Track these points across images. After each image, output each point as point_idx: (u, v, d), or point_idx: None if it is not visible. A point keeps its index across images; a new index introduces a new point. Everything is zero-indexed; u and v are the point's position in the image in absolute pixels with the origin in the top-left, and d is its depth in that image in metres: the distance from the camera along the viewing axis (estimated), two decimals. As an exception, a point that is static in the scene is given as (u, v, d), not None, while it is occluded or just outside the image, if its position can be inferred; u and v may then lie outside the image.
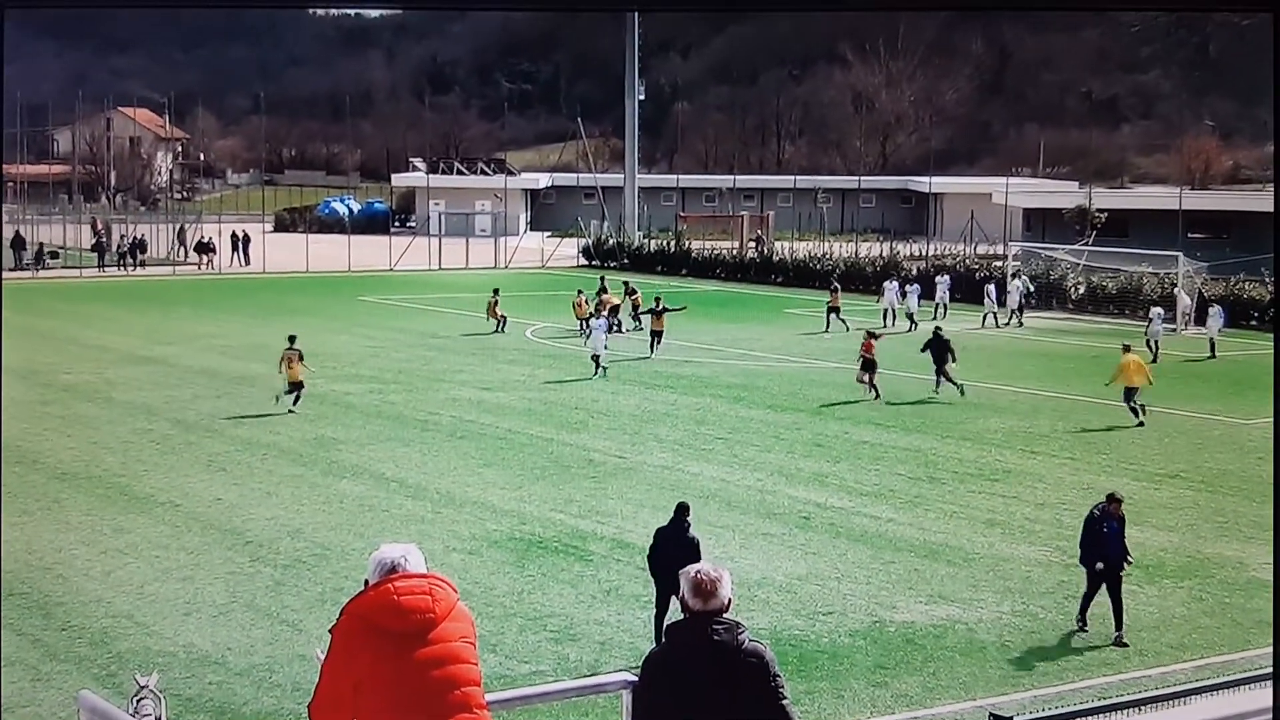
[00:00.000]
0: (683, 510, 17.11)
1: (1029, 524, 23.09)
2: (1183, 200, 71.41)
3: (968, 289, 57.76)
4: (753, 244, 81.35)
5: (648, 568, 17.28)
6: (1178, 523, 23.38)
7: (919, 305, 51.20)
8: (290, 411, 31.72)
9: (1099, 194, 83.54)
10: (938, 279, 56.93)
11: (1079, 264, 61.27)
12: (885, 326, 47.79)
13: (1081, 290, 58.69)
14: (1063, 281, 59.88)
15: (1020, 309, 53.84)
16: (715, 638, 6.43)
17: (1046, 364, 42.84)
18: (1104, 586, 17.89)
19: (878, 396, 34.24)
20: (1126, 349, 33.17)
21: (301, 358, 32.38)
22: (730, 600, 6.56)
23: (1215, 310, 46.32)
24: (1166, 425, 32.51)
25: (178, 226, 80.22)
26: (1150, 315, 45.19)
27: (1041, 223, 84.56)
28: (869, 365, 34.82)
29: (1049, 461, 28.14)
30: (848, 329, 47.46)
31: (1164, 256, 56.36)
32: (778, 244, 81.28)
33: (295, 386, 32.17)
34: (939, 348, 35.63)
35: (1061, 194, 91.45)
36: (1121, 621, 17.75)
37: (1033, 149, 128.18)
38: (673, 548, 16.28)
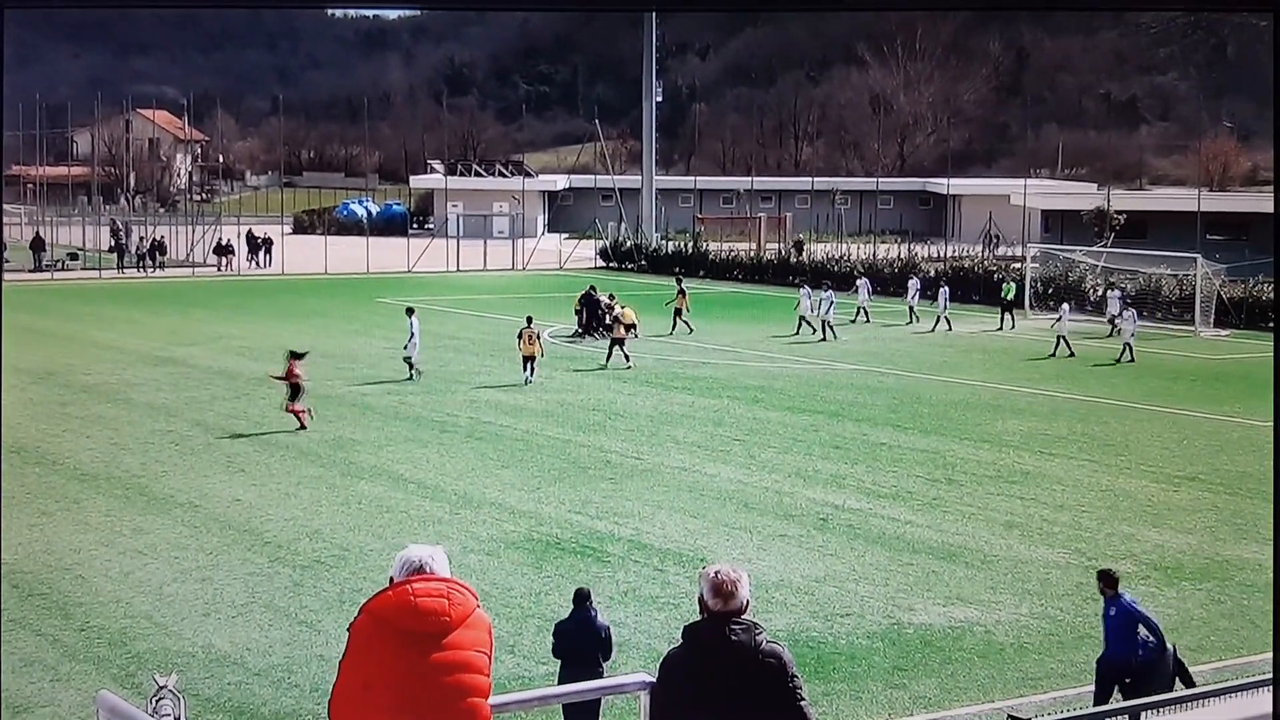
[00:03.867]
0: (583, 598, 14.38)
1: (1047, 526, 23.04)
2: (1201, 202, 71.23)
3: (985, 290, 58.14)
4: (794, 249, 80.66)
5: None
6: (1196, 525, 23.33)
7: (829, 312, 48.38)
8: (527, 382, 36.14)
9: (1117, 195, 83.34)
10: (858, 281, 56.50)
11: (1097, 265, 61.10)
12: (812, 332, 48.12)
13: (1100, 292, 58.53)
14: (1081, 283, 59.73)
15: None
16: (733, 638, 6.43)
17: (1064, 366, 42.73)
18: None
19: (301, 427, 29.96)
20: (620, 303, 43.95)
21: (539, 336, 37.15)
22: (749, 601, 6.56)
23: (1130, 314, 45.33)
24: (1186, 427, 32.45)
25: (246, 230, 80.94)
26: (1059, 312, 46.29)
27: (1060, 224, 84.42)
28: (296, 391, 30.30)
29: (1067, 464, 28.07)
30: (691, 330, 48.34)
31: (1183, 258, 56.14)
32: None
33: (528, 360, 36.70)
34: (590, 306, 44.88)
35: (1080, 195, 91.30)
36: None
37: (1051, 150, 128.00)
38: (579, 642, 14.13)
